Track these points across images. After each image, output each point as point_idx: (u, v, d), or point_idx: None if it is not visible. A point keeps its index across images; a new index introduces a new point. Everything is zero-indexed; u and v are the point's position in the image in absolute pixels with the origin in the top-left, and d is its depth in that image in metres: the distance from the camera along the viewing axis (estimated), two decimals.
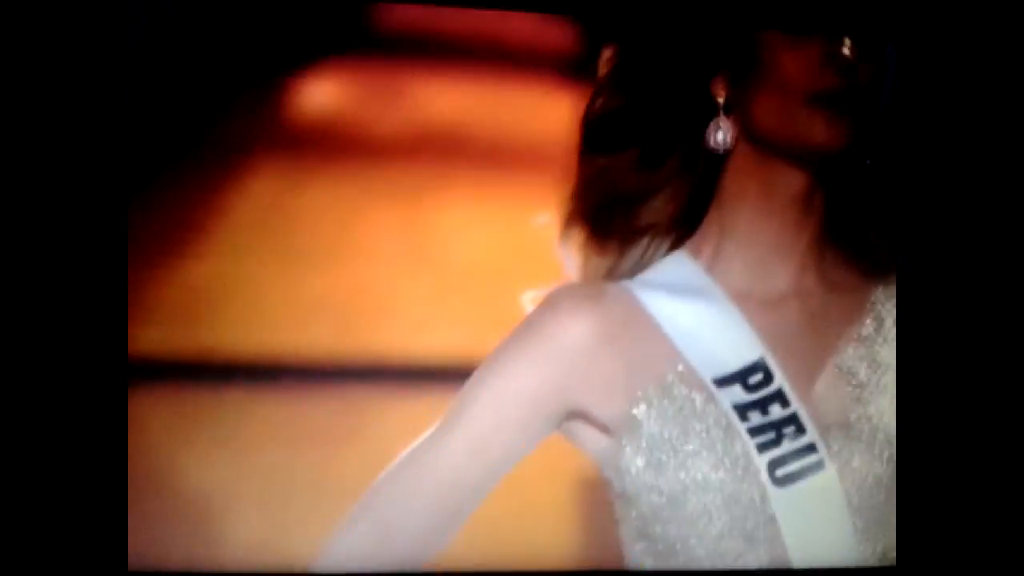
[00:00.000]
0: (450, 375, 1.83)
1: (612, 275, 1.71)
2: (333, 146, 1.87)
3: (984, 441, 1.89)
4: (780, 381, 1.65)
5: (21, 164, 1.69)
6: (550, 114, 1.86)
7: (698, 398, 1.64)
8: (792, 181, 1.68)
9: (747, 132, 1.67)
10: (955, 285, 1.88)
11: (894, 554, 1.66)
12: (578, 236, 1.72)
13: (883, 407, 1.67)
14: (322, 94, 1.87)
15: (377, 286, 1.85)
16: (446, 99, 1.87)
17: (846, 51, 1.62)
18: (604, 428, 1.66)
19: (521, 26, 1.88)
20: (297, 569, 1.74)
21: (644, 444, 1.63)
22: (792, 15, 1.74)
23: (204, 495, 1.77)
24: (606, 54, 1.72)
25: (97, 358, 1.70)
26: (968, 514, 1.89)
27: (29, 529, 1.68)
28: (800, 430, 1.64)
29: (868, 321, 1.70)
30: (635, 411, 1.64)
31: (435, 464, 1.66)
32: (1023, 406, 1.89)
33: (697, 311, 1.68)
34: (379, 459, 1.80)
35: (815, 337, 1.68)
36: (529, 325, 1.69)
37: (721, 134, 1.68)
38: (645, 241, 1.71)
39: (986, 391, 1.89)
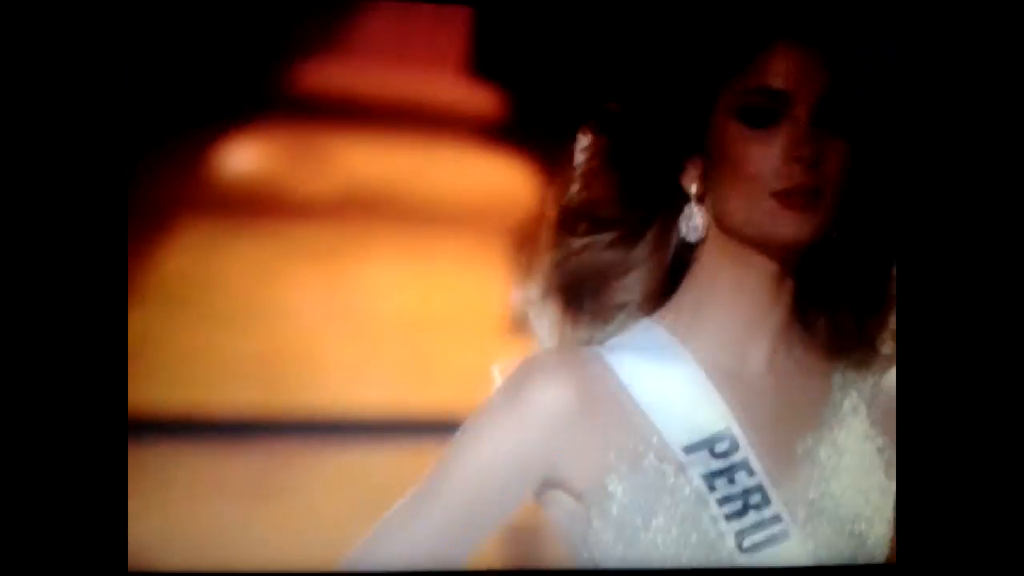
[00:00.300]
0: (374, 430, 1.87)
1: (584, 343, 1.71)
2: (257, 206, 1.89)
3: (984, 441, 1.92)
4: (746, 450, 1.66)
5: None
6: (472, 174, 1.93)
7: (668, 470, 1.64)
8: (764, 266, 1.68)
9: (716, 222, 1.68)
10: (955, 287, 1.92)
11: None
12: (552, 310, 1.72)
13: (845, 485, 1.69)
14: (245, 155, 1.89)
15: (303, 343, 1.88)
16: (368, 159, 1.92)
17: (810, 145, 1.63)
18: (577, 496, 1.66)
19: (444, 89, 1.94)
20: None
21: (614, 516, 1.63)
22: (794, 17, 1.74)
23: (135, 547, 1.77)
24: (582, 142, 1.72)
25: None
26: (968, 514, 1.91)
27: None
28: (766, 500, 1.65)
29: (828, 405, 1.71)
30: (606, 481, 1.64)
31: (415, 533, 1.64)
32: (1022, 407, 1.92)
33: (668, 379, 1.68)
34: (306, 513, 1.83)
35: (781, 415, 1.69)
36: (508, 389, 1.68)
37: (693, 224, 1.68)
38: (619, 316, 1.71)
39: (985, 391, 1.92)
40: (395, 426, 1.85)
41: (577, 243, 1.70)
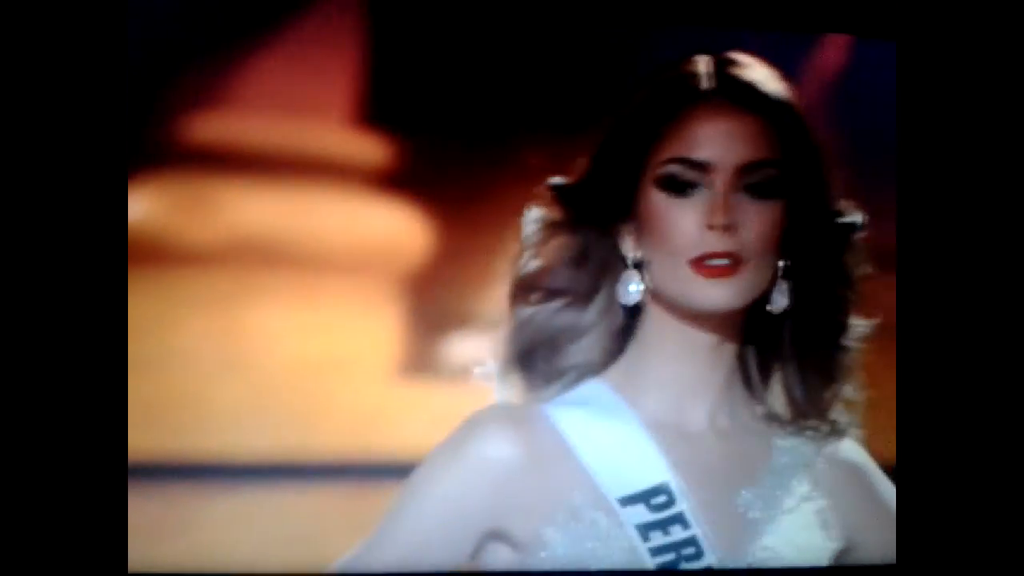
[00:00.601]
0: (266, 473, 1.91)
1: (533, 401, 1.75)
2: (147, 255, 1.91)
3: (984, 442, 1.95)
4: (682, 504, 1.69)
5: None
6: (361, 221, 1.97)
7: (603, 520, 1.67)
8: (701, 330, 1.71)
9: (652, 287, 1.71)
10: (955, 287, 1.95)
11: None
12: (512, 379, 1.75)
13: (781, 541, 1.72)
14: (135, 206, 1.91)
15: (195, 389, 1.91)
16: (258, 208, 1.95)
17: (726, 212, 1.65)
18: (516, 547, 1.68)
19: (333, 138, 1.98)
20: None
21: (549, 565, 1.66)
22: (796, 15, 1.74)
23: None
24: (531, 215, 1.76)
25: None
26: (968, 514, 1.95)
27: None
28: (699, 553, 1.69)
29: (767, 466, 1.75)
30: (543, 531, 1.66)
31: None
32: (1022, 407, 1.95)
33: (609, 434, 1.71)
34: (199, 555, 1.86)
35: (720, 472, 1.72)
36: (453, 444, 1.70)
37: (631, 289, 1.71)
38: (570, 376, 1.75)
39: (985, 391, 1.95)
40: (287, 470, 1.89)
41: (530, 311, 1.74)
